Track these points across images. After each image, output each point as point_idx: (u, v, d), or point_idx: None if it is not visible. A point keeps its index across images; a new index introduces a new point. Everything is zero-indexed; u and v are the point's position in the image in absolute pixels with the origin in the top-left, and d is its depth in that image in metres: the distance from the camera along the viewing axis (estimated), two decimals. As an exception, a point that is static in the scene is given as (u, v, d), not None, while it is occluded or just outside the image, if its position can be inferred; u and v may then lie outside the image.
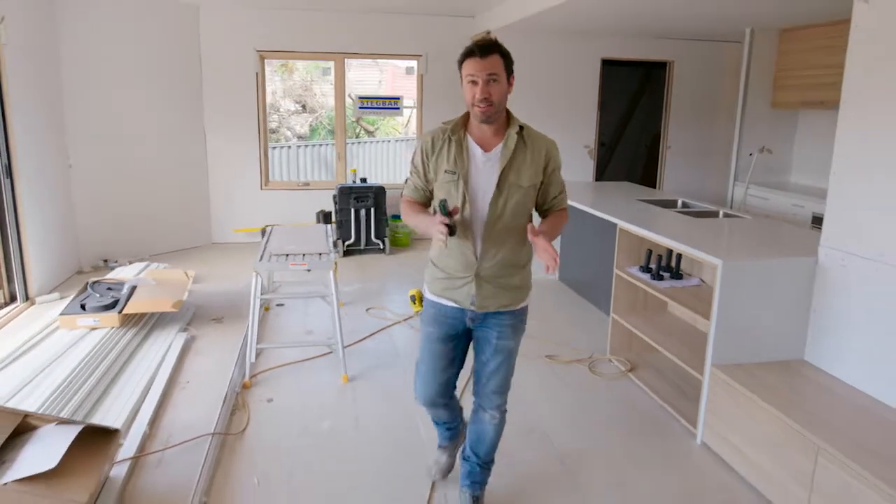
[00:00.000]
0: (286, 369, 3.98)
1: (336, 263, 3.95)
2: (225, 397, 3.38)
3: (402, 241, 7.34)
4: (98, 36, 5.98)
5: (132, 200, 6.44)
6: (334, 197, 6.96)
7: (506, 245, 2.30)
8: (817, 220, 5.26)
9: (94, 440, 2.48)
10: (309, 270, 3.85)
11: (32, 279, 5.02)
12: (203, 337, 4.27)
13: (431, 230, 2.14)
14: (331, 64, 7.46)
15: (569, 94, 7.33)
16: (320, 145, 11.25)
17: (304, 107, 13.03)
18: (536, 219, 2.39)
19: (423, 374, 2.51)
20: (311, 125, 12.94)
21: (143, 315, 4.24)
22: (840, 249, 3.00)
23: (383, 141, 12.20)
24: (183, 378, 3.64)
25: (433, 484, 2.84)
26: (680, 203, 5.03)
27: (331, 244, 4.20)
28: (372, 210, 6.85)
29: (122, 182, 6.34)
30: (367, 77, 13.05)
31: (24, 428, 2.47)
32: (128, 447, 2.81)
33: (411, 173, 2.42)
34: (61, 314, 4.00)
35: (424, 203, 2.41)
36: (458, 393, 2.72)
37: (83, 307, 4.05)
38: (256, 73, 7.08)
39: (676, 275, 3.86)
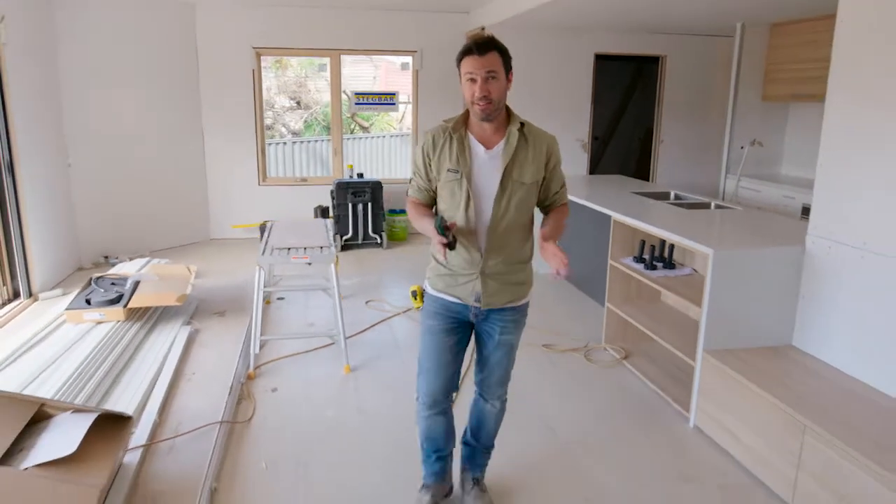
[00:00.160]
0: (289, 360, 4.07)
1: (337, 257, 4.03)
2: (231, 387, 3.47)
3: (399, 236, 7.43)
4: (96, 35, 6.04)
5: (131, 198, 6.51)
6: (332, 192, 7.04)
7: (510, 242, 2.32)
8: (807, 211, 5.37)
9: (108, 427, 2.56)
10: (310, 264, 3.94)
11: (35, 276, 5.08)
12: (206, 330, 4.35)
13: (433, 242, 2.17)
14: (325, 60, 7.52)
15: (562, 88, 7.41)
16: (315, 141, 11.32)
17: (298, 103, 13.07)
18: (537, 214, 2.42)
19: (427, 371, 2.45)
20: (305, 121, 12.99)
21: (147, 309, 4.32)
22: (826, 238, 3.11)
23: (378, 136, 12.27)
24: (189, 369, 3.73)
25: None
26: (672, 195, 5.13)
27: (331, 238, 4.29)
28: (369, 205, 6.94)
29: (120, 180, 6.41)
30: (361, 73, 13.10)
31: (40, 416, 2.55)
32: (139, 435, 2.90)
33: (414, 174, 2.42)
34: (67, 309, 4.08)
35: (429, 203, 2.41)
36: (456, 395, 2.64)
37: (88, 302, 4.13)
38: (253, 70, 7.14)
39: (669, 265, 3.96)
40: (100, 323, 4.02)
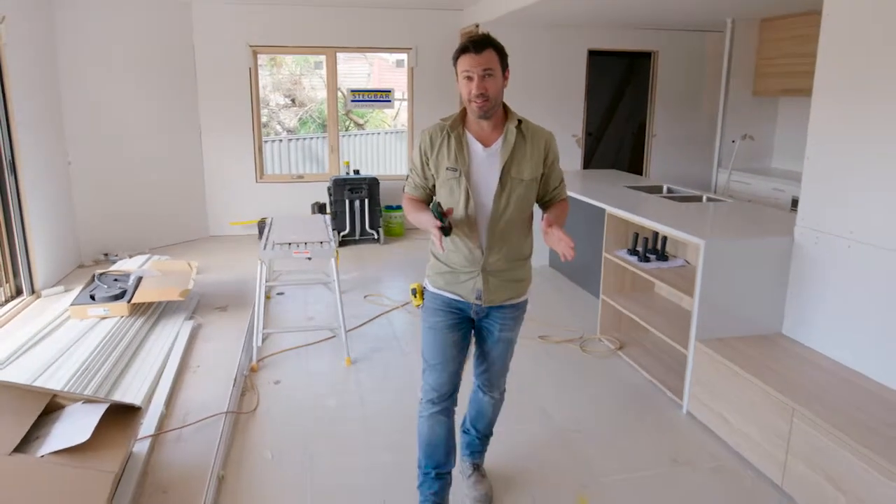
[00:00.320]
0: (291, 354, 4.15)
1: (337, 251, 4.11)
2: (235, 379, 3.55)
3: (396, 231, 7.51)
4: (94, 34, 6.09)
5: (130, 195, 6.57)
6: (329, 189, 7.10)
7: (510, 239, 2.34)
8: (797, 203, 5.43)
9: (118, 418, 2.63)
10: (310, 258, 4.01)
11: (38, 273, 5.14)
12: (209, 325, 4.42)
13: (430, 229, 2.19)
14: (320, 57, 7.58)
15: (556, 84, 7.50)
16: (311, 138, 11.38)
17: (293, 100, 13.12)
18: (537, 211, 2.43)
19: (432, 367, 2.43)
20: (300, 119, 13.04)
21: (150, 304, 4.39)
22: (814, 229, 3.20)
23: (372, 133, 12.34)
24: (193, 362, 3.80)
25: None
26: (665, 189, 5.22)
27: (331, 233, 4.37)
28: (366, 201, 7.01)
29: (120, 177, 6.47)
30: (355, 70, 13.16)
31: (52, 407, 2.62)
32: (147, 425, 2.97)
33: (411, 171, 2.44)
34: (72, 304, 4.14)
35: (426, 200, 2.42)
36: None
37: (92, 297, 4.20)
38: (249, 68, 7.20)
39: (662, 257, 4.05)
40: (104, 318, 4.08)
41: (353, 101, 7.78)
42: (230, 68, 7.13)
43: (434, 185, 2.38)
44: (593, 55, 7.61)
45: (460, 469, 2.83)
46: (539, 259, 5.95)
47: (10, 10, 4.84)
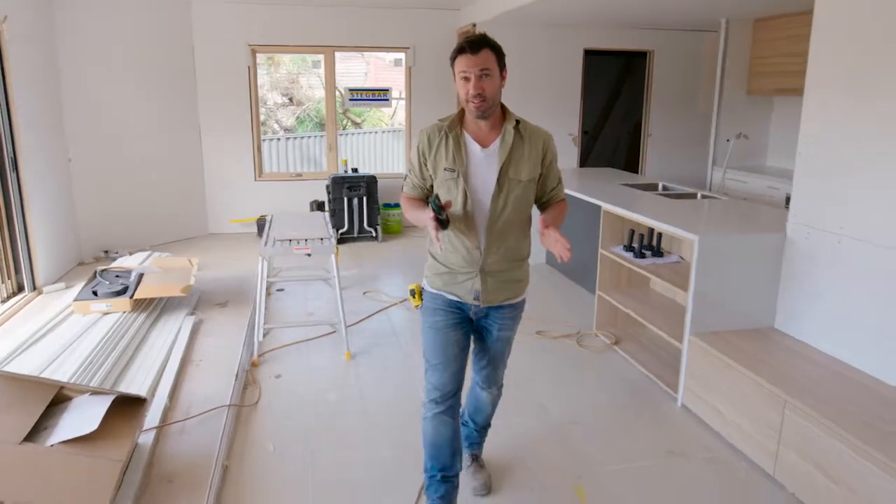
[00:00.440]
0: (291, 349, 4.20)
1: (337, 247, 4.17)
2: (237, 373, 3.60)
3: (394, 229, 7.56)
4: (95, 34, 6.13)
5: (130, 193, 6.61)
6: (327, 187, 7.16)
7: (509, 239, 2.34)
8: (790, 201, 5.53)
9: (124, 409, 2.68)
10: (309, 255, 4.06)
11: (39, 270, 5.18)
12: (210, 320, 4.47)
13: (427, 224, 2.17)
14: (318, 56, 7.63)
15: (553, 83, 7.56)
16: (308, 137, 11.42)
17: (290, 99, 13.16)
18: (535, 212, 2.43)
19: (434, 367, 2.42)
20: (297, 117, 13.08)
21: (152, 300, 4.43)
22: (806, 224, 3.27)
23: (369, 132, 12.39)
24: (195, 357, 3.85)
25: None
26: (660, 186, 5.29)
27: (330, 229, 4.42)
28: (364, 199, 7.07)
29: (119, 175, 6.51)
30: (352, 69, 13.21)
31: (59, 399, 2.67)
32: (151, 418, 3.01)
33: (409, 171, 2.44)
34: (75, 300, 4.18)
35: (424, 200, 2.42)
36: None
37: (95, 293, 4.24)
38: (248, 67, 7.24)
39: (657, 253, 4.12)
40: (106, 314, 4.13)
41: (351, 99, 7.83)
42: (229, 67, 7.18)
43: (431, 186, 2.38)
44: (590, 54, 7.67)
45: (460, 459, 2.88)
46: (536, 257, 6.00)
47: (11, 10, 4.88)
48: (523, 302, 2.52)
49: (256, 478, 2.86)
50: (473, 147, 2.30)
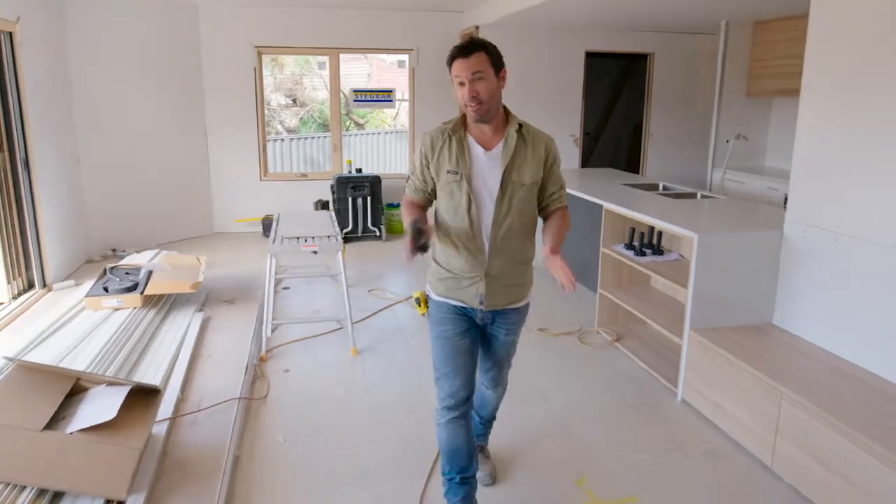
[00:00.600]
0: (298, 345, 4.28)
1: (344, 245, 4.24)
2: (246, 367, 3.68)
3: (397, 228, 7.64)
4: (104, 36, 6.22)
5: (137, 193, 6.69)
6: (332, 187, 7.24)
7: (513, 243, 2.34)
8: (789, 202, 5.61)
9: (138, 399, 2.76)
10: (315, 253, 4.14)
11: (49, 267, 5.27)
12: (217, 316, 4.55)
13: (405, 244, 2.16)
14: (322, 58, 7.71)
15: (555, 85, 7.65)
16: (312, 138, 11.51)
17: (294, 100, 13.26)
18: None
19: (445, 375, 2.41)
20: (301, 118, 13.17)
21: (161, 296, 4.52)
22: (803, 223, 3.34)
23: (372, 133, 12.48)
24: (205, 351, 3.93)
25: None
26: (661, 186, 5.36)
27: (337, 228, 4.50)
28: (368, 199, 7.15)
29: (127, 175, 6.59)
30: (354, 70, 13.30)
31: (76, 389, 2.75)
32: (164, 409, 3.09)
33: (412, 174, 2.44)
34: (87, 296, 4.27)
35: (424, 203, 2.43)
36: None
37: (106, 290, 4.32)
38: (254, 69, 7.33)
39: (658, 251, 4.20)
40: (117, 309, 4.21)
41: (355, 100, 7.92)
42: (235, 69, 7.27)
43: (433, 189, 2.39)
44: (591, 57, 7.76)
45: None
46: (538, 256, 6.07)
47: (23, 11, 4.96)
48: (527, 305, 2.53)
49: (266, 468, 2.94)
50: (477, 150, 2.30)
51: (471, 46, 2.18)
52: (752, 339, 3.34)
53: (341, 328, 4.50)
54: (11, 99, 4.81)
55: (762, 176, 6.25)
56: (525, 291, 2.49)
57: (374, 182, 7.16)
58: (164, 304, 4.47)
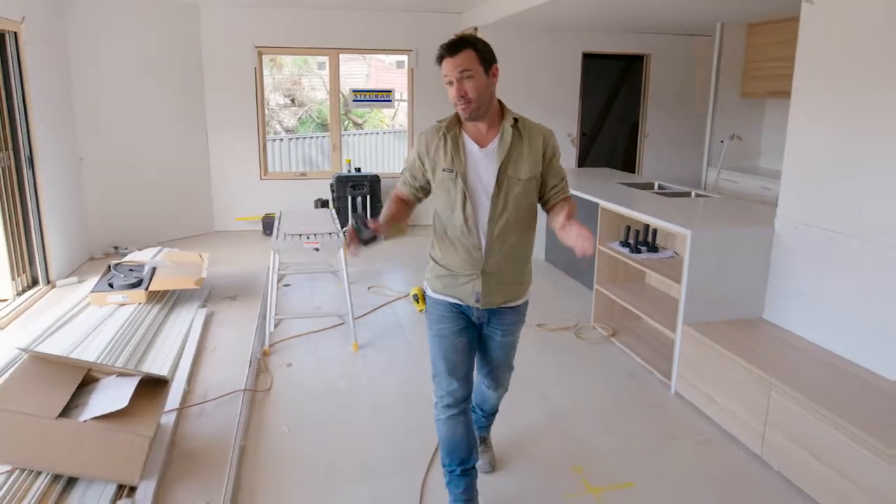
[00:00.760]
0: (300, 339, 4.37)
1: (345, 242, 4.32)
2: (250, 360, 3.76)
3: (396, 227, 7.71)
4: (105, 36, 6.30)
5: (139, 191, 6.77)
6: (331, 185, 7.32)
7: (510, 240, 2.31)
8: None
9: (147, 390, 2.84)
10: (317, 250, 4.23)
11: (52, 264, 5.34)
12: (221, 312, 4.63)
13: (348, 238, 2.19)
14: (321, 58, 7.79)
15: (552, 86, 7.74)
16: (310, 138, 11.59)
17: (293, 100, 13.34)
18: (540, 212, 2.43)
19: (442, 372, 2.42)
20: (299, 118, 13.25)
21: (165, 293, 4.59)
22: (793, 220, 3.44)
23: (370, 133, 12.57)
24: (210, 345, 4.01)
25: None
26: (656, 186, 5.46)
27: (338, 225, 4.59)
28: (367, 198, 7.23)
29: (128, 174, 6.66)
30: (353, 70, 13.39)
31: (87, 380, 2.83)
32: (171, 400, 3.17)
33: (405, 169, 2.44)
34: (92, 292, 4.34)
35: (412, 197, 2.44)
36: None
37: (111, 286, 4.40)
38: (255, 69, 7.41)
39: (652, 248, 4.29)
40: (122, 305, 4.29)
41: (355, 100, 8.00)
42: (236, 69, 7.35)
43: (422, 186, 2.40)
44: (588, 58, 7.85)
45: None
46: (535, 253, 6.16)
47: (27, 10, 5.04)
48: (526, 304, 2.51)
49: (271, 458, 3.02)
50: (472, 147, 2.29)
51: (458, 44, 2.15)
52: (744, 333, 3.43)
53: (342, 324, 4.58)
54: (16, 98, 4.89)
55: (756, 176, 6.35)
56: (523, 290, 2.47)
57: (374, 181, 7.24)
58: (168, 300, 4.54)
